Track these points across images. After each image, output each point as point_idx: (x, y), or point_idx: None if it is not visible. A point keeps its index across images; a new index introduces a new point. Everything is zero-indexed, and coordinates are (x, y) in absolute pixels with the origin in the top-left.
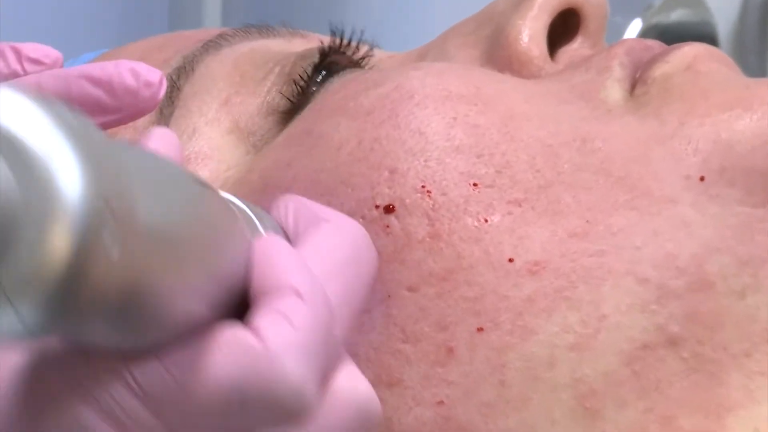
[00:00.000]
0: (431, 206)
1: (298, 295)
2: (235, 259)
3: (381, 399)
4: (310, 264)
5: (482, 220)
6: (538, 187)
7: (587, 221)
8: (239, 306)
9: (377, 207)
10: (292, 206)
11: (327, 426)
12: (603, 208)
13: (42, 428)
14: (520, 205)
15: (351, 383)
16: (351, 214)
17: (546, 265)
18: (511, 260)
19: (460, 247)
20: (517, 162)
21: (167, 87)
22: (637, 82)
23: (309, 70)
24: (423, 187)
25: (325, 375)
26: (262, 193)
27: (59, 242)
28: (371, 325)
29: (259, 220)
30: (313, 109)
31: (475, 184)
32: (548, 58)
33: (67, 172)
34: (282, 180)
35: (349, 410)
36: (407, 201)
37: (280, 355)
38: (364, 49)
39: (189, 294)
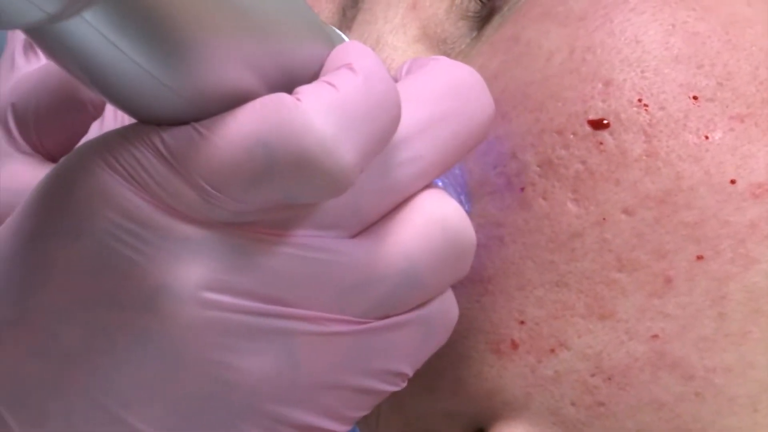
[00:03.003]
0: (648, 121)
1: (350, 68)
2: (305, 54)
3: (591, 331)
4: (400, 88)
5: (703, 137)
6: (761, 101)
7: None
8: None
9: (589, 122)
10: (409, 61)
11: (405, 241)
12: None
13: (66, 200)
14: (742, 121)
15: (437, 204)
16: (561, 130)
17: None
18: (733, 182)
19: (679, 167)
20: (739, 73)
21: None
22: None
23: None
24: (640, 100)
25: (370, 151)
26: None
27: None
28: (583, 250)
29: None
30: (519, 13)
31: (695, 98)
32: None
33: None
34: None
35: (432, 230)
36: (622, 116)
37: (311, 110)
38: None
39: (233, 58)
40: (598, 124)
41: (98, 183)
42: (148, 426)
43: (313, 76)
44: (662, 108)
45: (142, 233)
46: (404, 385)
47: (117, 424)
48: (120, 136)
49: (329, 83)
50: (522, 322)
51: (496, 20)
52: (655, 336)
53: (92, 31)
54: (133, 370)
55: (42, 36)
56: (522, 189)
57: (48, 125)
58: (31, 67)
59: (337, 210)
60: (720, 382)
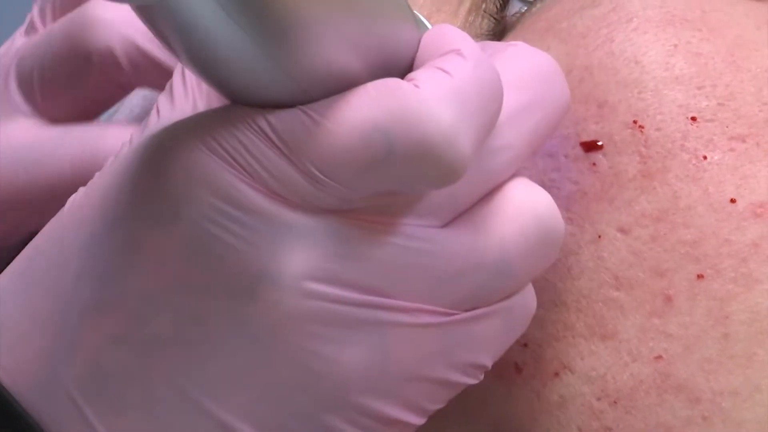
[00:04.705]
0: (643, 142)
1: (459, 54)
2: (402, 38)
3: (594, 353)
4: None
5: (701, 158)
6: (765, 122)
7: None
8: None
9: (582, 144)
10: (479, 45)
11: (499, 231)
12: None
13: (160, 181)
14: (743, 141)
15: (528, 193)
16: (553, 153)
17: None
18: (733, 201)
19: (676, 186)
20: (742, 93)
21: None
22: None
23: None
24: (635, 122)
25: (480, 140)
26: None
27: None
28: (579, 269)
29: None
30: (524, 26)
31: (693, 119)
32: None
33: None
34: None
35: (524, 219)
36: (616, 138)
37: (432, 97)
38: None
39: (341, 39)
40: (591, 146)
41: (198, 166)
42: (232, 416)
43: (408, 60)
44: (659, 129)
45: (244, 219)
46: (482, 377)
47: (200, 414)
48: (220, 117)
49: (442, 69)
50: (525, 345)
51: (509, 37)
52: (659, 357)
53: (211, 3)
54: (223, 358)
55: (152, 11)
56: None
57: (52, 84)
58: None
59: (435, 198)
60: (727, 405)
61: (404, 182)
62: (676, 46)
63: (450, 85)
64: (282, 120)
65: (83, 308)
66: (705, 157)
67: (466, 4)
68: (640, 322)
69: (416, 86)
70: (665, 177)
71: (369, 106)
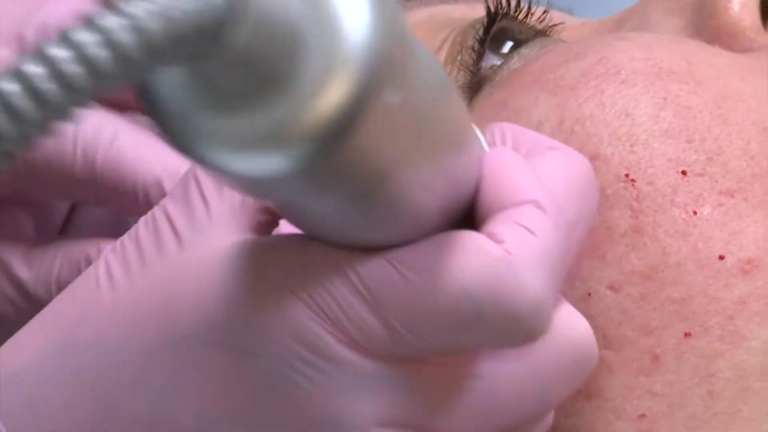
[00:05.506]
0: (635, 197)
1: (539, 206)
2: (469, 168)
3: (578, 412)
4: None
5: (691, 213)
6: (752, 176)
7: None
8: (463, 220)
9: None
10: (509, 132)
11: (541, 366)
12: None
13: (243, 317)
14: (732, 196)
15: (570, 326)
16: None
17: (760, 264)
18: (721, 258)
19: (665, 243)
20: (730, 147)
21: None
22: None
23: (480, 33)
24: (627, 175)
25: (557, 294)
26: None
27: (341, 90)
28: None
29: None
30: (508, 81)
31: (683, 172)
32: (761, 29)
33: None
34: None
35: (567, 348)
36: (609, 191)
37: (522, 267)
38: (538, 12)
39: (426, 190)
40: None
41: (286, 314)
42: None
43: (473, 181)
44: (650, 183)
45: (322, 365)
46: None
47: None
48: (310, 264)
49: (525, 228)
50: None
51: (487, 90)
52: (643, 415)
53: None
54: None
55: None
56: None
57: None
58: None
59: None
60: None
61: (486, 343)
62: (665, 99)
63: (538, 249)
64: (371, 273)
65: (135, 419)
66: (695, 212)
67: (442, 56)
68: (626, 381)
69: (507, 251)
70: (655, 232)
71: (460, 271)
